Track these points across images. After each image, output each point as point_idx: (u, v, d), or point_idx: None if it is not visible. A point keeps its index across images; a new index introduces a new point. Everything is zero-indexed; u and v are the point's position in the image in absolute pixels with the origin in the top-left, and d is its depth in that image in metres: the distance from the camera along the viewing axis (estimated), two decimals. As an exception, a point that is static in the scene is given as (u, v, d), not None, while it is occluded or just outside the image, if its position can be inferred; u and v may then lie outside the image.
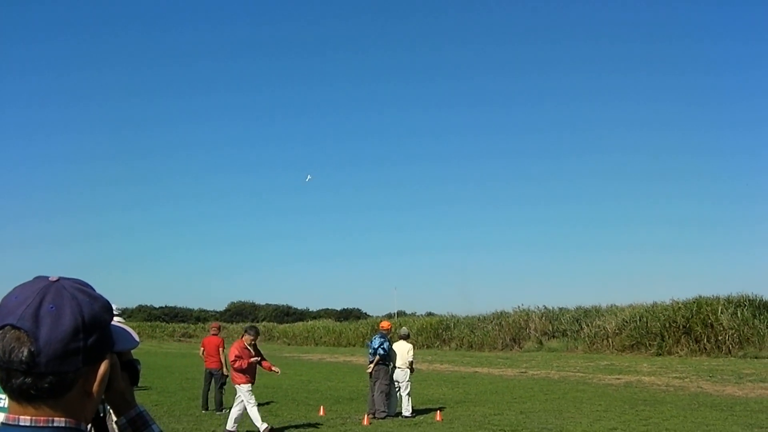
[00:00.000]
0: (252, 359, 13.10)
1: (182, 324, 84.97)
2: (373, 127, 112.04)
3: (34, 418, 1.30)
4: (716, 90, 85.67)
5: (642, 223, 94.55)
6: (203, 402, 16.27)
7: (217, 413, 15.60)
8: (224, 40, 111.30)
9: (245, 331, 13.60)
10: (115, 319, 1.47)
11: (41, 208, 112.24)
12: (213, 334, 16.98)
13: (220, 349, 16.51)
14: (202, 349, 17.15)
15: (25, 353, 1.27)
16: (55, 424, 1.30)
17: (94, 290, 1.41)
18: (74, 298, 1.34)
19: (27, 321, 1.28)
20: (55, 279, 1.37)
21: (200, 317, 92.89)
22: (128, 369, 1.53)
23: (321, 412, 15.49)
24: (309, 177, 58.04)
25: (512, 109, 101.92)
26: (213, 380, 16.23)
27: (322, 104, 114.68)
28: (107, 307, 1.40)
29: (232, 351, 13.03)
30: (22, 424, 1.30)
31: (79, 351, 1.31)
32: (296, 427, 13.81)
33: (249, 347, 13.18)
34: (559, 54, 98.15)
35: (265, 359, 13.69)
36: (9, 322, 1.29)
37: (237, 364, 12.88)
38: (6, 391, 1.31)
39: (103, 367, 1.37)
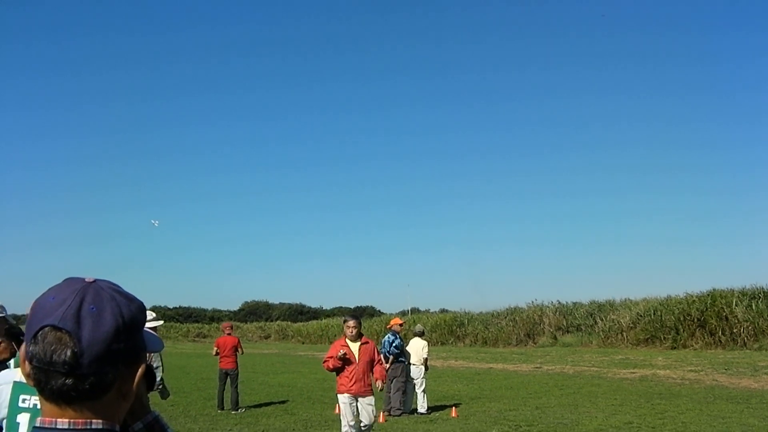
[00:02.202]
0: (346, 357, 9.91)
1: (196, 324, 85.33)
2: (385, 124, 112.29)
3: (72, 420, 1.27)
4: (730, 82, 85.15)
5: (655, 217, 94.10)
6: (219, 402, 16.34)
7: (233, 412, 15.68)
8: (239, 40, 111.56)
9: (343, 322, 10.65)
10: (150, 321, 1.47)
11: (54, 209, 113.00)
12: (228, 334, 17.03)
13: (238, 349, 16.65)
14: (216, 349, 17.21)
15: (68, 354, 1.24)
16: (93, 426, 1.28)
17: (128, 292, 1.40)
18: (113, 299, 1.33)
19: (69, 321, 1.26)
20: (91, 280, 1.35)
21: (214, 317, 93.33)
22: (146, 374, 1.51)
23: (336, 410, 15.46)
24: (155, 222, 59.61)
25: (524, 104, 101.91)
26: (228, 380, 16.30)
27: (332, 101, 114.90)
28: (142, 308, 1.39)
29: (330, 350, 10.38)
30: (59, 427, 1.27)
31: (120, 352, 1.30)
32: (312, 425, 13.86)
33: (350, 342, 10.15)
34: (570, 47, 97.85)
35: (380, 363, 10.39)
36: (49, 323, 1.27)
37: (324, 365, 10.29)
38: (44, 393, 1.29)
39: (141, 369, 1.36)
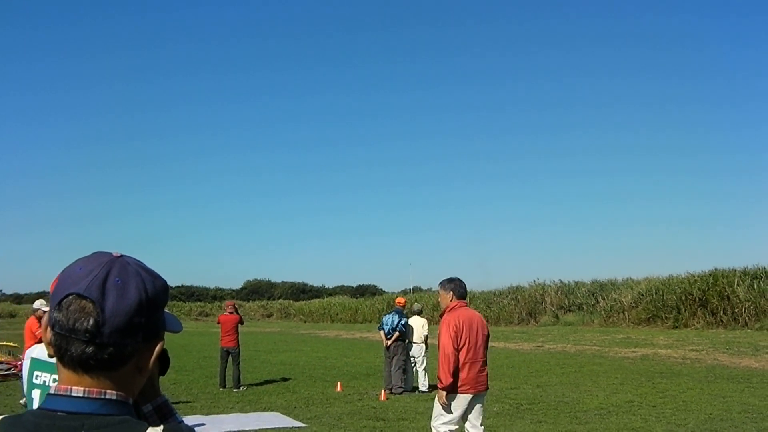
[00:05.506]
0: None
1: (199, 303, 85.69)
2: (387, 105, 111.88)
3: (87, 389, 1.29)
4: (732, 67, 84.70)
5: (657, 196, 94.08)
6: (221, 380, 16.38)
7: (235, 390, 15.73)
8: (248, 21, 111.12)
9: None
10: None
11: (53, 190, 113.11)
12: (230, 313, 17.00)
13: (239, 326, 16.69)
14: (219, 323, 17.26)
15: (91, 322, 1.27)
16: (107, 397, 1.30)
17: (153, 270, 1.43)
18: (138, 275, 1.35)
19: (94, 291, 1.29)
20: (118, 254, 1.39)
21: (217, 296, 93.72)
22: (160, 357, 1.51)
23: (338, 388, 15.58)
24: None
25: (525, 85, 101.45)
26: (230, 358, 16.34)
27: (335, 83, 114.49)
28: (166, 287, 1.42)
29: None
30: (74, 394, 1.29)
31: (141, 326, 1.33)
32: (314, 402, 13.89)
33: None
34: (582, 29, 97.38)
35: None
36: (74, 291, 1.30)
37: None
38: (62, 360, 1.31)
39: (159, 346, 1.38)
